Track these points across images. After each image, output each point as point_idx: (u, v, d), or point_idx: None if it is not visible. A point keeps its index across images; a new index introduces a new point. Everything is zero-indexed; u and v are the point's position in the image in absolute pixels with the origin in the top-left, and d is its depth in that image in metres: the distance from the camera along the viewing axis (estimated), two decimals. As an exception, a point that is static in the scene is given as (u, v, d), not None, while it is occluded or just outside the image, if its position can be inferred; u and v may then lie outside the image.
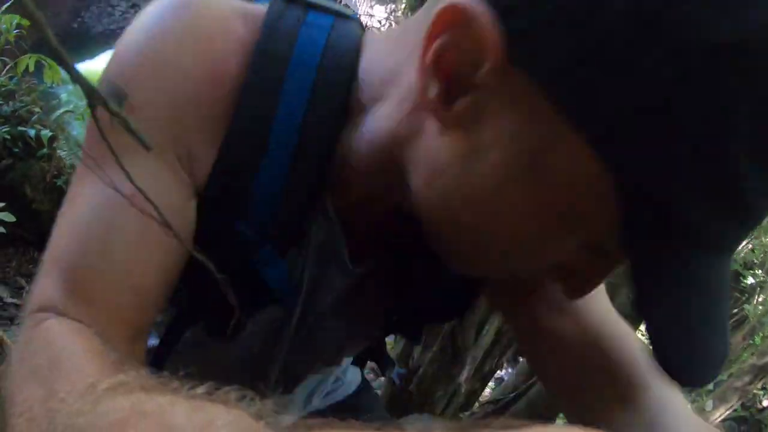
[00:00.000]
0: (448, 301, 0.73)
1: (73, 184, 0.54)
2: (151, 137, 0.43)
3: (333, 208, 0.57)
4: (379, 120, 0.52)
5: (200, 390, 0.35)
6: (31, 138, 3.05)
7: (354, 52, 0.55)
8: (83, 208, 0.51)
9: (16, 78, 3.23)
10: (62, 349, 0.43)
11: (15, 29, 3.22)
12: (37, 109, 3.19)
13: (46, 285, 0.49)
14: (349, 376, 0.99)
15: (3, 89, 3.15)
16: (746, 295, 3.38)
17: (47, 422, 0.37)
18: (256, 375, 0.71)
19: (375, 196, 0.57)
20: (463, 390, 1.80)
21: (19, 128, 3.06)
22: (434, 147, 0.48)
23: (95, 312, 0.48)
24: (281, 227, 0.57)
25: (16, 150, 3.06)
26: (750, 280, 3.65)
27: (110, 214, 0.50)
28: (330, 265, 0.62)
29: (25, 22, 3.16)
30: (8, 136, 3.00)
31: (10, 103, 3.13)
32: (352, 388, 0.99)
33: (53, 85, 3.16)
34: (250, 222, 0.55)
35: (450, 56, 0.43)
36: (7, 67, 3.25)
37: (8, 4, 3.02)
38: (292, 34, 0.54)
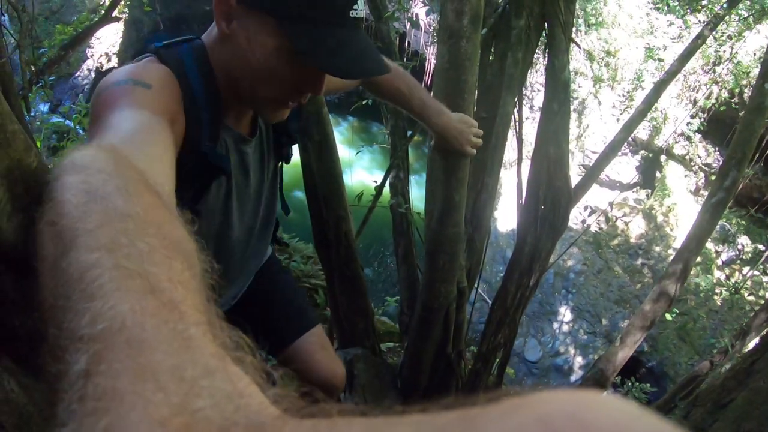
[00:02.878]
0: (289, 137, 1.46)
1: (93, 128, 0.88)
2: (157, 104, 0.97)
3: (229, 120, 1.26)
4: (227, 60, 1.15)
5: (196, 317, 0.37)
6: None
7: (202, 44, 1.17)
8: (114, 124, 0.84)
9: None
10: (118, 174, 0.54)
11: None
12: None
13: (97, 139, 0.77)
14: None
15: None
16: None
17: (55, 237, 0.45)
18: (221, 245, 1.39)
19: (238, 93, 1.19)
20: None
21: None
22: (232, 54, 1.12)
23: (133, 155, 0.69)
24: (213, 137, 1.18)
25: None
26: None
27: (137, 120, 0.87)
28: (238, 142, 1.30)
29: None
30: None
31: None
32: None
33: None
34: (203, 139, 1.14)
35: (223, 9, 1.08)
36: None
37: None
38: (176, 55, 1.14)
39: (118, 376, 0.30)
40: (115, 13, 6.39)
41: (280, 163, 1.53)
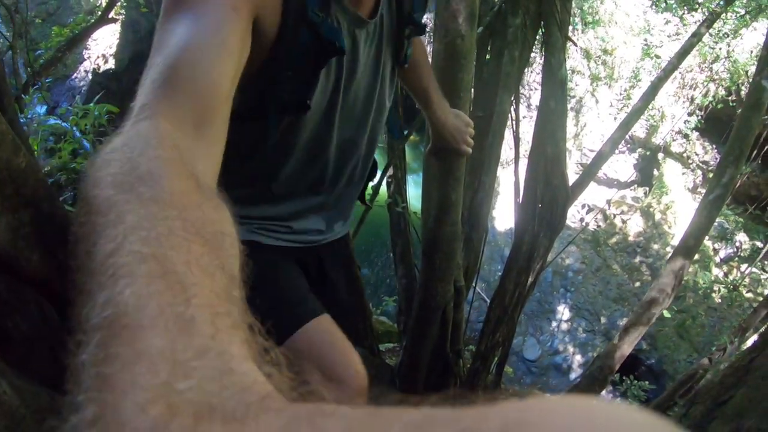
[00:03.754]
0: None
1: (158, 32, 0.76)
2: None
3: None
4: None
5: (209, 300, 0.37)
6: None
7: None
8: (170, 38, 0.73)
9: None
10: (143, 155, 0.52)
11: (105, 115, 4.52)
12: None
13: (145, 91, 0.66)
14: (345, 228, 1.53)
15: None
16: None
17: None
18: (316, 153, 1.22)
19: None
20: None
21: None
22: None
23: (183, 109, 0.65)
24: (323, 8, 0.99)
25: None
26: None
27: (195, 30, 0.74)
28: (352, 23, 1.08)
29: (114, 109, 4.55)
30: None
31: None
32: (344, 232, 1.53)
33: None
34: (311, 8, 0.97)
35: None
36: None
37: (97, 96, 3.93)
38: None
39: (113, 362, 0.30)
40: (111, 15, 6.40)
41: (395, 68, 1.30)
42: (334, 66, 1.10)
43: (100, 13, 6.75)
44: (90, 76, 12.24)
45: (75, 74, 12.38)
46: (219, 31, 0.76)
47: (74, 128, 4.68)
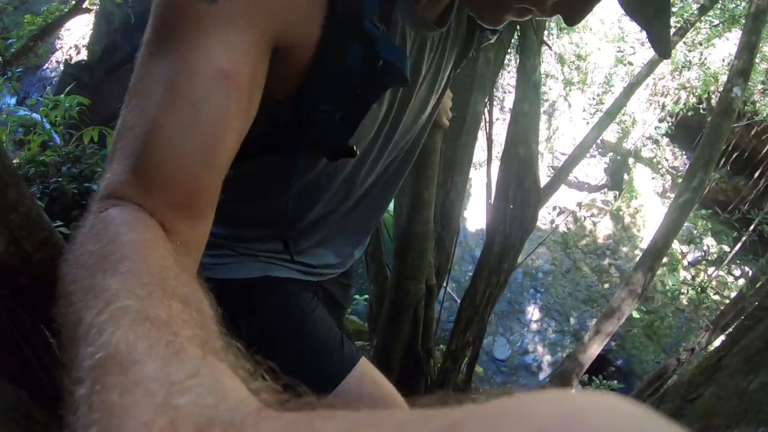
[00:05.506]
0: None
1: (138, 70, 0.61)
2: (250, 17, 0.60)
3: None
4: None
5: (198, 332, 0.39)
6: (95, 192, 3.95)
7: None
8: (154, 94, 0.58)
9: (81, 146, 4.29)
10: (115, 242, 0.49)
11: (76, 107, 4.49)
12: (99, 170, 4.16)
13: (115, 171, 0.57)
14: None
15: (71, 155, 4.17)
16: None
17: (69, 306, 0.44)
18: (345, 193, 1.00)
19: None
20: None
21: (85, 185, 4.03)
22: None
23: (159, 200, 0.57)
24: (384, 17, 0.73)
25: (84, 202, 3.88)
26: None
27: (185, 94, 0.57)
28: (421, 36, 0.84)
29: (85, 101, 4.52)
30: (77, 191, 3.95)
31: (77, 165, 4.11)
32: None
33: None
34: (367, 17, 0.69)
35: None
36: (74, 138, 4.38)
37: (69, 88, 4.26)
38: None
39: (110, 391, 0.31)
40: (85, 5, 6.30)
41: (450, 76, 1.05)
42: (389, 92, 0.85)
43: (74, 2, 6.63)
44: (62, 66, 12.02)
45: (46, 64, 12.16)
46: (199, 118, 0.58)
47: (44, 120, 4.61)
